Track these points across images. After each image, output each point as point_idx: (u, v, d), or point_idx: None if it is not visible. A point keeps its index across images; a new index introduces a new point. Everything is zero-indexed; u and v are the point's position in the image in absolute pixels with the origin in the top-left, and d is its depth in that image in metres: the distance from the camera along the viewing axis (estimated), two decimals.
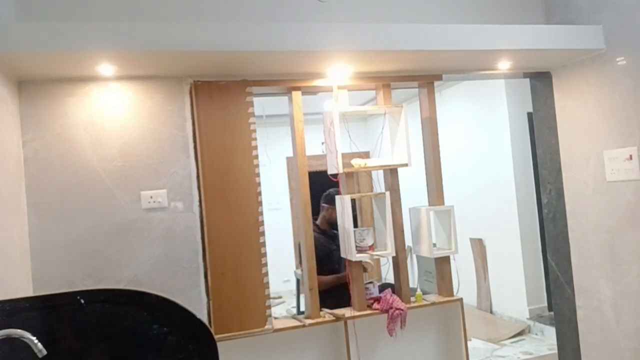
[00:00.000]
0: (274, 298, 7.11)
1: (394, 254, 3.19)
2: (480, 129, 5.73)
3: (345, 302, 3.25)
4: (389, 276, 3.50)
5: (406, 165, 3.17)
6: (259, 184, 2.98)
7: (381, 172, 3.42)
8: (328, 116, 3.11)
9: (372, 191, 3.91)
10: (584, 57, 3.14)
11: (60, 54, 2.33)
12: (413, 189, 4.19)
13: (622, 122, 2.96)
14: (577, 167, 3.28)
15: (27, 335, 1.38)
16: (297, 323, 3.02)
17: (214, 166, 2.90)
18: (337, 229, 3.34)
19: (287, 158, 7.41)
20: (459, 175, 5.61)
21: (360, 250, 3.15)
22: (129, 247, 2.69)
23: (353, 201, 3.14)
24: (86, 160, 2.67)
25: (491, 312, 5.59)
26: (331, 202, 3.76)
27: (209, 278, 2.85)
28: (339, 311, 3.15)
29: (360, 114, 5.07)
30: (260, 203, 2.98)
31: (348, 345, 3.04)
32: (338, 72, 2.99)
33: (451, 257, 3.36)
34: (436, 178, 3.31)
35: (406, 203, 3.34)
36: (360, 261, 3.16)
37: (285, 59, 2.72)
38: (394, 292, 3.24)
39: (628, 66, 2.90)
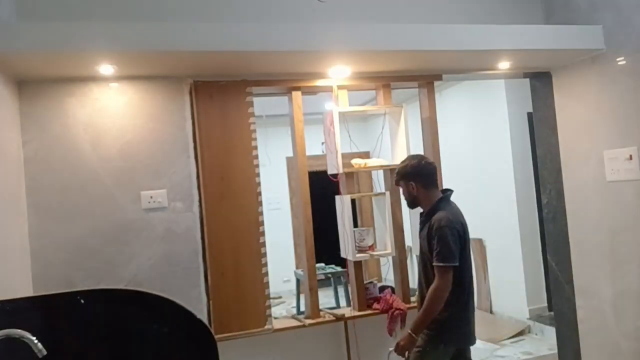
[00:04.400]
0: (274, 298, 7.10)
1: (394, 254, 3.19)
2: (480, 129, 5.73)
3: None
4: (389, 276, 3.49)
5: None
6: (259, 184, 2.98)
7: (381, 172, 3.42)
8: (328, 116, 3.11)
9: (372, 191, 3.91)
10: (584, 57, 3.14)
11: (61, 54, 2.33)
12: None
13: (622, 122, 2.96)
14: (577, 167, 3.28)
15: (27, 335, 1.37)
16: (297, 323, 3.02)
17: (214, 166, 2.90)
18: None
19: (287, 158, 7.40)
20: (459, 175, 5.60)
21: (360, 250, 3.15)
22: (129, 247, 2.69)
23: (353, 201, 3.14)
24: (86, 160, 2.67)
25: (491, 312, 5.58)
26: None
27: (209, 278, 2.84)
28: (339, 311, 3.15)
29: (360, 114, 5.06)
30: (260, 203, 2.98)
31: (348, 345, 3.03)
32: (338, 72, 2.99)
33: None
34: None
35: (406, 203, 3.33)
36: (360, 261, 3.17)
37: (285, 59, 2.72)
38: (393, 292, 3.24)
39: (628, 66, 2.90)
